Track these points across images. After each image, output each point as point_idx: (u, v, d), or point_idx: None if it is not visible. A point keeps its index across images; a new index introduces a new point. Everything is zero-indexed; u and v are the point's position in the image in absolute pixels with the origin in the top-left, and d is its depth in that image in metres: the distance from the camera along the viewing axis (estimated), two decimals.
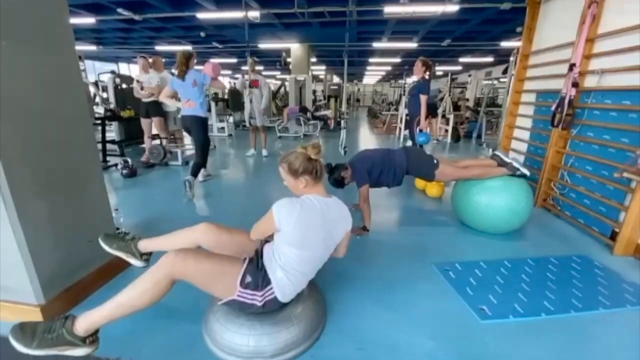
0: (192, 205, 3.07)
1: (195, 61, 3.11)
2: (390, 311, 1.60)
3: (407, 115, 5.17)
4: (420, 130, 3.72)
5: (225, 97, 8.34)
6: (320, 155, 1.33)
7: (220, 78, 3.29)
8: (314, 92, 10.46)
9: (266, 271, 1.25)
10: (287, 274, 1.24)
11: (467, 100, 10.41)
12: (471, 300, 1.68)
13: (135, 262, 1.45)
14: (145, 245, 1.45)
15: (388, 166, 2.47)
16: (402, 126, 7.25)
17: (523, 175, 2.41)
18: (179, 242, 1.37)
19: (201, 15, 6.81)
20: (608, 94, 2.42)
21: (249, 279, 1.22)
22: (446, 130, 7.34)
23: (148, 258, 1.47)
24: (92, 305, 1.58)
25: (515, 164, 2.39)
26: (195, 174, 3.13)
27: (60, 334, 1.07)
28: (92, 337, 1.12)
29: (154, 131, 4.69)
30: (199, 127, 3.08)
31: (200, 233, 1.37)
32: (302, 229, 1.21)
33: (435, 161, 2.48)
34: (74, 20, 6.90)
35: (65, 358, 1.10)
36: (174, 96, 3.29)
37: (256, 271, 1.24)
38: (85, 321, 1.10)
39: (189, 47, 11.01)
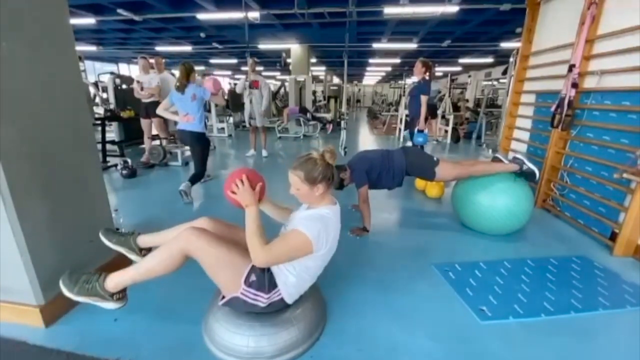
0: (192, 206, 3.07)
1: (196, 75, 3.11)
2: (390, 312, 1.60)
3: (407, 115, 5.17)
4: (419, 131, 3.72)
5: (225, 97, 8.35)
6: (335, 160, 1.30)
7: (219, 79, 3.28)
8: (314, 92, 10.46)
9: (272, 274, 1.24)
10: (299, 279, 1.26)
11: (467, 100, 10.41)
12: (471, 300, 1.68)
13: (134, 257, 1.45)
14: (144, 240, 1.46)
15: (387, 167, 2.46)
16: (402, 127, 7.25)
17: (531, 173, 2.26)
18: None
19: (201, 16, 6.82)
20: (607, 94, 2.43)
21: (253, 277, 1.22)
22: (446, 131, 7.34)
23: (147, 254, 1.47)
24: (93, 306, 1.58)
25: (520, 156, 2.29)
26: (192, 182, 3.11)
27: (94, 286, 1.22)
28: (120, 295, 1.26)
29: (154, 132, 4.69)
30: (196, 142, 3.07)
31: (200, 226, 1.37)
32: (330, 248, 1.26)
33: (435, 159, 2.47)
34: (74, 21, 6.90)
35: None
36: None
37: (262, 272, 1.24)
38: (114, 279, 1.23)
39: (189, 48, 11.04)
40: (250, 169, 1.35)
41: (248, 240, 1.18)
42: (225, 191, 1.30)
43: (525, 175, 2.31)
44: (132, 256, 1.46)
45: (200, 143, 3.09)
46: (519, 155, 2.32)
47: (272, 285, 1.23)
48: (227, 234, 1.39)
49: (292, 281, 1.25)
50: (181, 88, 2.98)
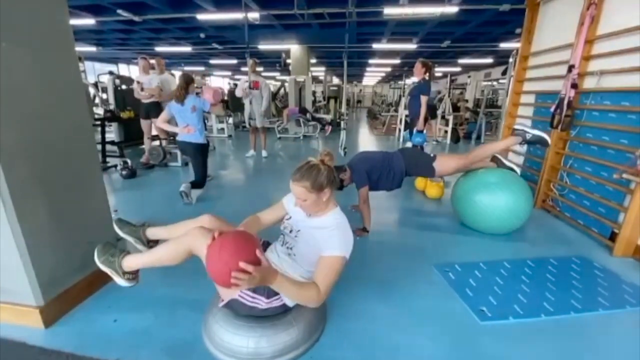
0: (192, 206, 3.07)
1: (195, 86, 3.09)
2: (390, 312, 1.60)
3: (407, 116, 5.16)
4: (418, 131, 3.72)
5: (225, 98, 8.35)
6: (334, 162, 1.31)
7: (220, 79, 3.27)
8: (314, 93, 10.46)
9: None
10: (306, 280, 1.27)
11: (467, 101, 10.43)
12: (471, 301, 1.68)
13: (140, 247, 1.50)
14: (152, 232, 1.52)
15: (387, 169, 2.46)
16: (402, 127, 7.26)
17: (539, 139, 2.08)
18: (183, 231, 1.37)
19: (201, 17, 6.81)
20: (607, 95, 2.43)
21: None
22: (445, 132, 7.34)
23: (153, 246, 1.50)
24: (92, 307, 1.60)
25: (520, 127, 2.16)
26: (193, 186, 3.10)
27: (115, 261, 1.33)
28: (130, 275, 1.35)
29: (154, 132, 4.68)
30: (197, 154, 3.05)
31: (203, 223, 1.38)
32: None
33: (431, 155, 2.49)
34: (74, 22, 6.89)
35: None
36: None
37: None
38: (129, 260, 1.33)
39: (188, 48, 11.04)
40: (229, 237, 1.09)
41: (297, 299, 1.19)
42: (227, 287, 1.05)
43: (534, 144, 2.11)
44: (138, 246, 1.51)
45: (201, 153, 3.09)
46: (519, 126, 2.20)
47: (272, 292, 1.22)
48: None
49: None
50: (180, 99, 2.96)
